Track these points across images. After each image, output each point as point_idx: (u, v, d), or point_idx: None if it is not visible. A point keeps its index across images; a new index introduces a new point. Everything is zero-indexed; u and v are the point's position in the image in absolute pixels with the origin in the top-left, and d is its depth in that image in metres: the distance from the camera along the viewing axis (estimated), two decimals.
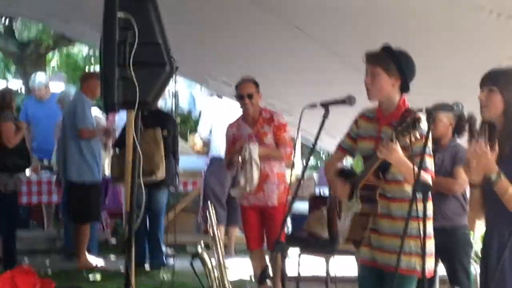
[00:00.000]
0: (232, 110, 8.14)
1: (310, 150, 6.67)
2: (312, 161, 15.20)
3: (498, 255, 3.51)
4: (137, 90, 4.41)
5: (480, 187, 3.67)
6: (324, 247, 7.01)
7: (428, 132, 3.65)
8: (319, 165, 14.89)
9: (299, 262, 7.24)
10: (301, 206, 9.84)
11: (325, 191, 9.20)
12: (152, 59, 4.51)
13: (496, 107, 3.66)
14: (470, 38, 5.99)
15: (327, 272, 6.99)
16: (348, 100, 4.19)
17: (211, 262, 6.94)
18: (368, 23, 6.36)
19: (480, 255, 3.84)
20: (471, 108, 4.06)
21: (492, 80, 3.72)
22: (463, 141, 5.68)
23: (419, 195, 3.69)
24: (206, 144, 9.79)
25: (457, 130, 5.64)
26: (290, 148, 6.76)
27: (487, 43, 6.01)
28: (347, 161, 9.36)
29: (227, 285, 7.08)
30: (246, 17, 6.87)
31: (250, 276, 8.03)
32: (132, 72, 4.41)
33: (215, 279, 6.93)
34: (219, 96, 9.61)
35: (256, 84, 6.78)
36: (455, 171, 5.39)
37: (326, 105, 4.13)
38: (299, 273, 7.22)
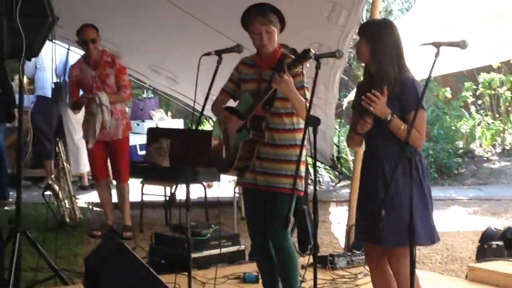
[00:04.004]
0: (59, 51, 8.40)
1: None
2: None
3: (391, 174, 3.97)
4: (24, 39, 4.94)
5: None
6: (164, 175, 7.77)
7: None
8: None
9: (142, 190, 7.95)
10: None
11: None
12: (36, 12, 5.04)
13: (364, 55, 4.20)
14: None
15: (168, 197, 7.78)
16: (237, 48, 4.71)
17: (62, 193, 7.55)
18: None
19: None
20: None
21: (360, 31, 4.31)
22: None
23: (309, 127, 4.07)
24: (32, 82, 10.10)
25: None
26: (129, 90, 7.45)
27: None
28: None
29: (77, 214, 7.74)
30: None
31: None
32: (19, 24, 4.92)
33: (66, 208, 7.56)
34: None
35: (96, 29, 7.31)
36: None
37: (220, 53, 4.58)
38: (142, 200, 7.94)
